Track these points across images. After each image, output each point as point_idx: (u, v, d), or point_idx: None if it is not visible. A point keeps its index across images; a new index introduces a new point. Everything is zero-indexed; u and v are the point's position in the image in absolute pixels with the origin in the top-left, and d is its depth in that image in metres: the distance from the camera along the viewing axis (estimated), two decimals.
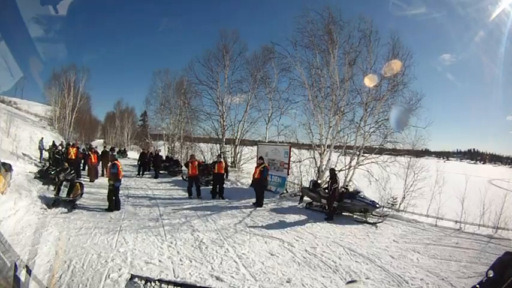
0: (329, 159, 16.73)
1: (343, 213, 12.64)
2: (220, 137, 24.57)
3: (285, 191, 15.85)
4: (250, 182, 15.68)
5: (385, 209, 13.71)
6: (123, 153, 34.50)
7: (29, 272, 3.16)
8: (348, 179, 16.28)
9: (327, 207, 12.58)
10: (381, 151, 16.54)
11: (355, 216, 12.47)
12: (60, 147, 18.73)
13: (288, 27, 23.22)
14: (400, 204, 14.95)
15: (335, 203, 12.39)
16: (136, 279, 2.86)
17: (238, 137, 24.31)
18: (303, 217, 12.01)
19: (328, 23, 16.51)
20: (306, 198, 14.00)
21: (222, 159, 15.39)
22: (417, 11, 18.72)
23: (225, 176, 15.19)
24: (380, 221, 12.06)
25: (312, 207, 13.46)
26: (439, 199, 13.88)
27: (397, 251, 9.21)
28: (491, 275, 3.90)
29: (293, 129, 19.25)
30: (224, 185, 15.06)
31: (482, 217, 12.53)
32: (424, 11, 18.28)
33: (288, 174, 16.37)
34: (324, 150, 16.86)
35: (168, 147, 29.64)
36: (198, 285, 4.89)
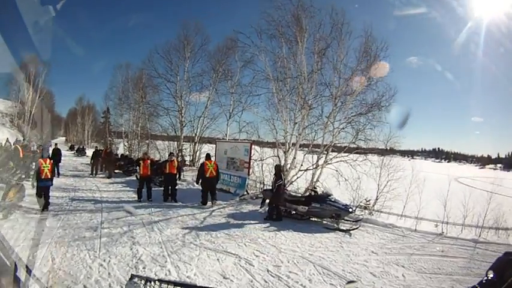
0: (294, 157, 15.28)
1: (312, 219, 11.35)
2: (178, 133, 22.89)
3: (245, 193, 14.46)
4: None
5: (357, 213, 12.49)
6: (81, 152, 32.77)
7: (29, 272, 3.15)
8: (315, 179, 14.89)
9: (292, 212, 11.47)
10: (351, 149, 15.27)
11: (325, 222, 11.11)
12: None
13: (252, 15, 21.62)
14: (374, 206, 13.70)
15: (303, 208, 11.20)
16: (136, 279, 2.75)
17: (197, 134, 22.66)
18: (265, 224, 10.54)
19: (297, 9, 14.96)
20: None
21: (174, 158, 13.94)
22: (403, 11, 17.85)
23: (178, 177, 13.61)
24: (354, 227, 10.72)
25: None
26: (416, 200, 12.78)
27: (378, 266, 7.81)
28: (491, 275, 3.84)
29: (256, 126, 17.57)
30: (177, 187, 13.54)
31: (464, 219, 11.75)
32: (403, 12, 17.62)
33: (249, 174, 15.05)
34: (289, 148, 15.35)
35: (125, 145, 27.74)
36: (198, 285, 4.57)
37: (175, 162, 13.52)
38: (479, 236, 10.78)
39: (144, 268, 6.52)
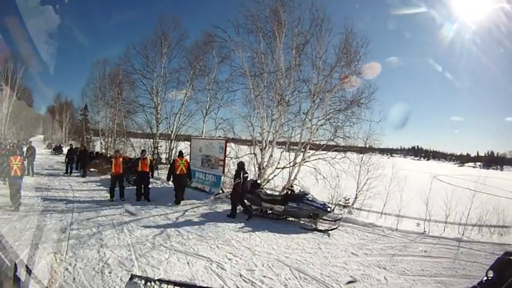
0: (271, 155, 14.78)
1: (290, 219, 10.76)
2: (154, 131, 21.99)
3: (220, 192, 13.81)
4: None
5: (336, 212, 11.92)
6: (58, 150, 31.35)
7: (29, 272, 3.15)
8: (292, 177, 14.39)
9: (268, 212, 10.94)
10: (329, 147, 14.77)
11: (302, 222, 10.57)
12: None
13: (231, 9, 20.94)
14: (353, 204, 13.15)
15: (280, 207, 10.66)
16: (136, 279, 2.76)
17: (174, 131, 21.79)
18: (240, 225, 9.94)
19: (276, 3, 14.43)
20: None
21: (146, 156, 13.37)
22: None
23: (150, 175, 13.03)
24: (333, 227, 10.12)
25: (252, 211, 11.28)
26: (397, 198, 12.19)
27: (358, 268, 7.25)
28: (490, 275, 3.79)
29: (232, 123, 17.10)
30: (151, 185, 13.04)
31: (447, 217, 11.26)
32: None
33: (224, 173, 14.40)
34: (266, 146, 14.80)
35: (101, 143, 26.66)
36: (198, 285, 4.53)
37: (148, 160, 12.92)
38: (463, 234, 10.35)
39: (110, 273, 6.01)
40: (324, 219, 10.59)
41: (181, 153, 13.04)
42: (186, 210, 11.20)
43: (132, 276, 2.80)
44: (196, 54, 20.73)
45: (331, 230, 9.93)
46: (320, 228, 10.02)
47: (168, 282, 2.73)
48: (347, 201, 13.00)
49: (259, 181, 12.60)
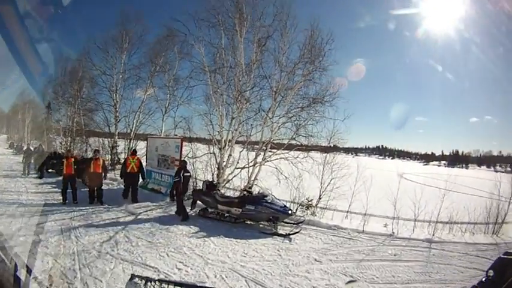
0: (230, 154, 13.77)
1: (248, 223, 9.89)
2: (113, 130, 20.46)
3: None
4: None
5: (299, 213, 11.08)
6: (19, 150, 29.39)
7: (29, 272, 3.26)
8: (253, 178, 13.38)
9: (225, 215, 10.11)
10: (292, 146, 13.88)
11: (262, 226, 9.69)
12: None
13: (192, 2, 19.74)
14: (317, 205, 12.20)
15: (237, 210, 9.86)
16: (136, 279, 2.84)
17: (133, 130, 20.17)
18: (194, 229, 9.11)
19: None
20: (200, 203, 11.02)
21: (99, 155, 12.58)
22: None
23: (103, 176, 12.43)
24: (294, 231, 9.24)
25: (207, 214, 10.51)
26: (362, 198, 11.31)
27: (322, 277, 6.41)
28: (491, 275, 3.76)
29: (192, 122, 15.87)
30: (106, 187, 12.69)
31: (416, 217, 10.51)
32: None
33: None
34: (225, 145, 13.77)
35: (60, 143, 24.51)
36: (198, 285, 3.83)
37: (101, 161, 12.19)
38: (433, 234, 9.67)
39: (50, 285, 5.33)
40: (286, 222, 9.70)
41: (134, 151, 12.71)
42: (139, 214, 10.40)
43: (132, 276, 2.82)
44: (157, 51, 19.35)
45: (293, 234, 9.02)
46: (281, 232, 9.12)
47: (168, 282, 2.79)
48: (310, 202, 12.03)
49: (215, 182, 11.82)
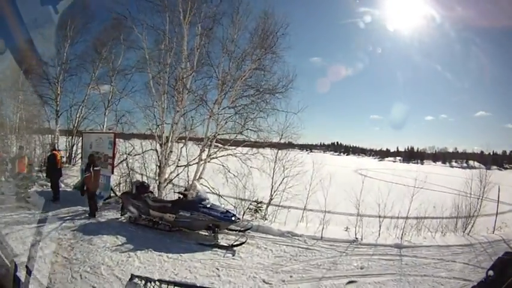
0: (171, 151, 12.04)
1: (186, 231, 8.03)
2: (53, 126, 17.95)
3: (110, 196, 11.11)
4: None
5: (247, 218, 9.38)
6: None
7: (29, 272, 3.11)
8: (197, 176, 11.73)
9: (160, 222, 8.34)
10: (239, 142, 12.47)
11: (201, 234, 7.90)
12: None
13: None
14: (267, 208, 10.45)
15: (171, 216, 8.02)
16: (136, 280, 2.81)
17: (75, 125, 18.11)
18: (120, 240, 7.41)
19: None
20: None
21: (24, 154, 11.92)
22: None
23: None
24: (239, 242, 7.42)
25: (139, 221, 8.65)
26: (319, 198, 9.56)
27: None
28: (491, 275, 3.56)
29: (134, 116, 14.06)
30: (34, 188, 11.60)
31: (381, 220, 8.84)
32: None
33: (113, 172, 11.56)
34: (168, 140, 12.08)
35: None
36: (198, 285, 4.01)
37: (26, 160, 11.49)
38: (402, 238, 8.29)
39: None
40: (230, 230, 8.03)
41: (54, 147, 12.29)
42: (64, 221, 8.56)
43: (132, 277, 2.83)
44: (102, 40, 17.27)
45: (237, 245, 7.29)
46: (222, 243, 7.42)
47: (168, 282, 2.82)
48: (259, 205, 10.25)
49: (146, 183, 9.92)
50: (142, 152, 12.80)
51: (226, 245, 7.27)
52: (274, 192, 10.53)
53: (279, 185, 10.54)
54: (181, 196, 8.45)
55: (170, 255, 6.64)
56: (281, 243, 7.54)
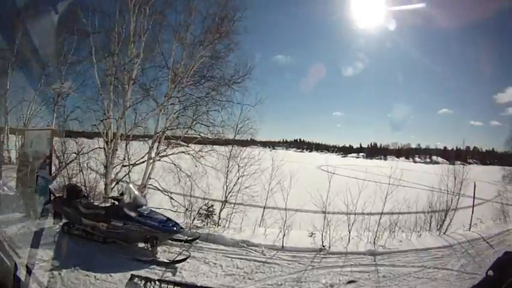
0: (116, 149, 10.62)
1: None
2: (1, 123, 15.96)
3: (50, 200, 9.24)
4: None
5: (197, 223, 8.12)
6: None
7: (29, 272, 3.12)
8: (147, 176, 10.33)
9: (94, 232, 6.90)
10: (190, 139, 10.94)
11: (143, 246, 6.45)
12: None
13: None
14: (221, 212, 8.99)
15: (104, 226, 6.59)
16: (136, 280, 2.77)
17: (25, 123, 15.85)
18: (46, 255, 5.72)
19: None
20: None
21: None
22: None
23: None
24: (182, 257, 6.02)
25: (72, 231, 7.10)
26: (278, 200, 8.27)
27: None
28: (491, 275, 3.54)
29: (82, 112, 12.05)
30: None
31: (350, 224, 7.53)
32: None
33: (51, 174, 9.99)
34: (113, 138, 10.67)
35: None
36: (198, 285, 4.10)
37: None
38: (375, 242, 7.12)
39: None
40: (174, 241, 6.64)
41: None
42: None
43: (132, 277, 2.81)
44: (55, 31, 15.55)
45: (179, 261, 5.89)
46: (162, 259, 5.98)
47: (168, 282, 2.82)
48: (211, 208, 8.85)
49: (80, 186, 8.63)
50: (88, 151, 11.19)
51: (166, 261, 5.89)
52: (229, 193, 9.21)
53: (234, 185, 9.25)
54: (117, 202, 6.85)
55: (99, 275, 5.33)
56: (234, 256, 6.21)
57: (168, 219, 6.58)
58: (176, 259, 5.87)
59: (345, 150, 23.03)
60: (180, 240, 6.70)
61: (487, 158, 18.51)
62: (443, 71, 14.56)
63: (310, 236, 7.16)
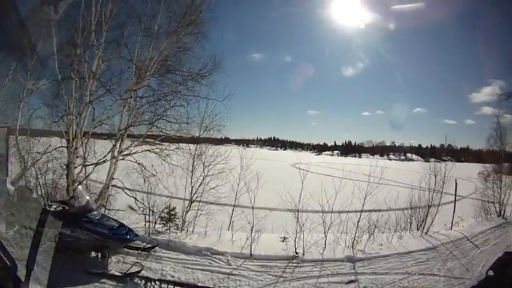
0: (76, 147, 9.70)
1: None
2: None
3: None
4: None
5: (159, 228, 7.45)
6: None
7: (29, 272, 3.07)
8: (109, 176, 9.51)
9: None
10: (157, 136, 10.31)
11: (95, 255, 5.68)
12: None
13: None
14: (185, 215, 8.30)
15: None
16: (136, 279, 3.01)
17: None
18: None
19: None
20: None
21: None
22: None
23: None
24: (135, 270, 5.16)
25: None
26: (244, 202, 7.67)
27: None
28: (491, 275, 3.60)
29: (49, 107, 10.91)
30: None
31: (326, 228, 6.87)
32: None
33: (8, 176, 8.87)
34: (75, 137, 9.74)
35: None
36: (198, 285, 4.13)
37: None
38: (353, 246, 6.55)
39: None
40: (131, 249, 5.89)
41: None
42: None
43: (132, 277, 2.93)
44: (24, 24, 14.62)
45: (133, 274, 5.04)
46: (114, 271, 5.18)
47: (168, 282, 2.94)
48: (173, 211, 8.07)
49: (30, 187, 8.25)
50: (50, 151, 10.16)
51: (118, 274, 5.09)
52: (195, 193, 8.51)
53: (199, 185, 8.58)
54: (66, 206, 6.09)
55: None
56: (196, 266, 5.52)
57: (121, 225, 5.87)
58: (128, 272, 5.04)
59: (319, 148, 23.08)
60: (137, 249, 5.94)
61: (461, 155, 18.86)
62: (418, 71, 14.69)
63: (282, 241, 6.57)
